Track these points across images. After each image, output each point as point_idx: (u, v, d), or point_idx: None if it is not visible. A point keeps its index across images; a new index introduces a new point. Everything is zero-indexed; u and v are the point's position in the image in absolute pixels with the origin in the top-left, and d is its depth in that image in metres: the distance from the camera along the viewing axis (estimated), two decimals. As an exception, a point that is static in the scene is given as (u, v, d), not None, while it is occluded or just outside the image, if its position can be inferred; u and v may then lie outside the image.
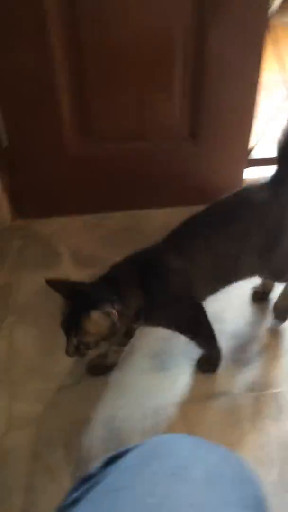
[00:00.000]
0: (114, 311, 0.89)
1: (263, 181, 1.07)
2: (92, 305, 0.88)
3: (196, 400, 1.11)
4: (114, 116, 1.42)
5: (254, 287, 1.32)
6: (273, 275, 1.18)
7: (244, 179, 1.65)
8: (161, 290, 1.00)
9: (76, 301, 0.90)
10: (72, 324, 0.90)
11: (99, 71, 1.35)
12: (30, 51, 1.28)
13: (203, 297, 1.08)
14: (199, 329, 1.10)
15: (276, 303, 1.28)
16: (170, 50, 1.33)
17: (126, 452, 0.56)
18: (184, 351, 1.19)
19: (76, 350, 0.92)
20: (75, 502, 0.52)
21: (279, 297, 1.26)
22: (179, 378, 1.15)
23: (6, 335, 1.27)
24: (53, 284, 0.92)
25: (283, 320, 1.27)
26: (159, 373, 1.16)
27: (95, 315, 0.88)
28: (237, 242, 1.03)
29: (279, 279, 1.21)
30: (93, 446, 1.03)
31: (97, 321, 0.89)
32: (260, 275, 1.17)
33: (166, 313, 1.03)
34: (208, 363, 1.17)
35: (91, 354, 0.96)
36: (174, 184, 1.58)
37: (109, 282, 0.96)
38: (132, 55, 1.32)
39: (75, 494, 0.54)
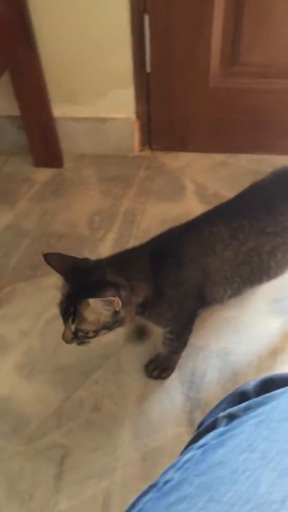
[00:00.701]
0: (116, 298, 0.75)
1: None
2: (92, 289, 0.76)
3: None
4: (268, 49, 1.34)
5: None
6: None
7: None
8: (172, 281, 0.87)
9: (76, 282, 0.79)
10: (69, 308, 0.79)
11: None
12: None
13: (222, 298, 0.92)
14: (187, 332, 0.97)
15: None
16: None
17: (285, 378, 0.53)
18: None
19: (75, 336, 0.82)
20: (231, 417, 0.48)
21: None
22: (298, 327, 1.13)
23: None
24: (50, 258, 0.79)
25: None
26: (279, 317, 1.14)
27: (94, 303, 0.76)
28: (274, 235, 0.86)
29: None
30: (206, 374, 1.05)
31: (96, 309, 0.77)
32: None
33: (171, 307, 0.89)
34: (161, 368, 1.03)
35: (93, 342, 0.84)
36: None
37: (118, 264, 0.84)
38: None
39: (231, 410, 0.49)
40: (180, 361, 1.07)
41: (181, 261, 0.86)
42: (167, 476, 0.43)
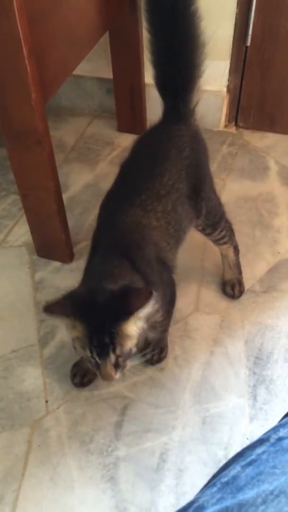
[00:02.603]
0: (154, 295, 0.69)
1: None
2: (118, 307, 0.69)
3: None
4: None
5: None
6: (208, 222, 1.02)
7: None
8: (148, 267, 0.83)
9: (89, 314, 0.70)
10: (103, 342, 0.70)
11: None
12: None
13: (174, 262, 0.94)
14: (173, 305, 0.95)
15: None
16: None
17: None
18: None
19: (116, 367, 0.73)
20: None
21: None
22: None
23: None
24: (52, 309, 0.71)
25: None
26: None
27: (139, 314, 0.70)
28: (169, 194, 0.89)
29: (216, 225, 1.04)
30: (273, 352, 1.04)
31: (138, 320, 0.72)
32: (197, 226, 1.02)
33: (158, 289, 0.83)
34: (158, 350, 1.01)
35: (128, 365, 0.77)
36: None
37: (111, 276, 0.77)
38: None
39: None
40: (248, 336, 1.06)
41: (138, 247, 0.85)
42: (280, 434, 0.44)
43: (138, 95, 1.53)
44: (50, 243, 1.21)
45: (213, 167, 1.48)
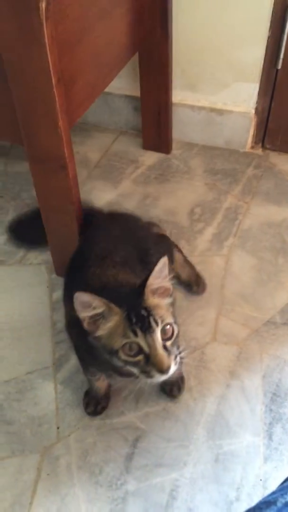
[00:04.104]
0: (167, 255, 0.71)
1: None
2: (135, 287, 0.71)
3: None
4: None
5: None
6: None
7: None
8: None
9: (122, 297, 0.70)
10: (142, 317, 0.67)
11: None
12: None
13: None
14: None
15: None
16: None
17: None
18: None
19: (165, 350, 0.67)
20: None
21: None
22: None
23: (225, 255, 1.28)
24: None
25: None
26: None
27: (157, 273, 0.69)
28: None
29: None
30: (292, 389, 1.01)
31: (159, 280, 0.71)
32: None
33: None
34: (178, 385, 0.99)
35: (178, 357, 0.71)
36: None
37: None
38: None
39: None
40: (266, 370, 1.04)
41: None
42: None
43: (164, 114, 1.52)
44: (69, 263, 1.21)
45: (237, 189, 1.46)
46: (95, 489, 0.88)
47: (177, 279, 1.19)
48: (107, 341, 0.69)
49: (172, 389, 0.99)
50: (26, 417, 0.99)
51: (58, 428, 0.97)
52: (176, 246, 1.21)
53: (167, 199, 1.46)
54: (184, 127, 1.60)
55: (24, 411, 0.99)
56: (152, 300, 0.70)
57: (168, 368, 0.66)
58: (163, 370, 0.65)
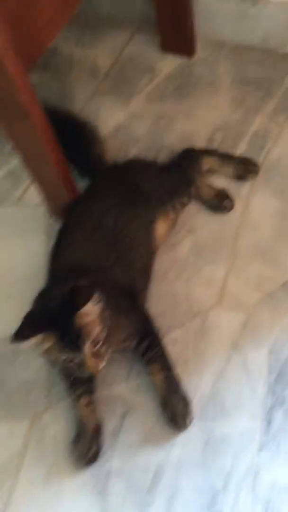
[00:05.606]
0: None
1: None
2: (71, 306, 0.73)
3: None
4: None
5: None
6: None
7: None
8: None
9: (53, 322, 0.75)
10: (71, 339, 0.74)
11: None
12: None
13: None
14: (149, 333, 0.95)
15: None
16: None
17: None
18: None
19: (96, 356, 0.77)
20: None
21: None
22: None
23: (244, 196, 1.08)
24: (24, 334, 0.73)
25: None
26: None
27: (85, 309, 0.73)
28: None
29: None
30: (301, 366, 0.89)
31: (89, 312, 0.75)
32: None
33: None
34: (181, 401, 0.88)
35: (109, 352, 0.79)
36: None
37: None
38: None
39: None
40: (274, 344, 0.92)
41: None
42: None
43: (183, 4, 1.20)
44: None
45: (270, 106, 1.19)
46: (78, 464, 0.87)
47: (200, 199, 1.08)
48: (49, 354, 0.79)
49: (174, 413, 0.87)
50: (17, 382, 0.96)
51: (47, 395, 0.94)
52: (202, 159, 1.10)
53: (184, 120, 1.23)
54: (210, 22, 1.28)
55: (15, 376, 0.97)
56: (81, 320, 0.73)
57: (96, 369, 0.77)
58: (92, 370, 0.77)
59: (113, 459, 0.86)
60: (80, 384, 0.88)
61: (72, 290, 0.74)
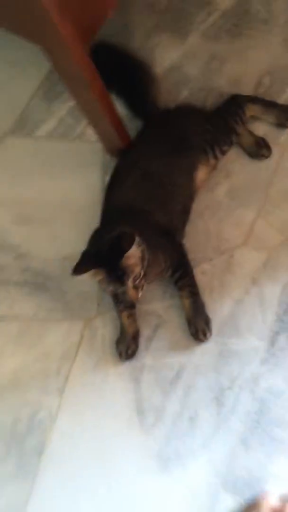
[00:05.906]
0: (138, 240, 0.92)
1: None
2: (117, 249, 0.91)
3: None
4: None
5: None
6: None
7: None
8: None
9: (103, 261, 0.94)
10: (117, 274, 0.93)
11: None
12: None
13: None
14: (183, 265, 1.13)
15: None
16: None
17: None
18: None
19: (136, 288, 0.96)
20: None
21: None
22: None
23: (282, 145, 1.17)
24: (81, 269, 0.94)
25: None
26: None
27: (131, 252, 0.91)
28: None
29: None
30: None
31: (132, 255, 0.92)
32: None
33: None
34: (203, 321, 1.09)
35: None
36: None
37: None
38: None
39: None
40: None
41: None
42: None
43: None
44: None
45: None
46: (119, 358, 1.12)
47: (239, 145, 1.19)
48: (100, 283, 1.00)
49: (196, 332, 1.08)
50: (75, 292, 1.21)
51: (98, 305, 1.18)
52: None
53: (235, 62, 1.28)
54: None
55: (74, 287, 1.21)
56: (125, 261, 0.91)
57: (135, 298, 0.98)
58: (132, 299, 0.98)
59: (146, 357, 1.11)
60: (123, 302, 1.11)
61: (118, 236, 0.92)
